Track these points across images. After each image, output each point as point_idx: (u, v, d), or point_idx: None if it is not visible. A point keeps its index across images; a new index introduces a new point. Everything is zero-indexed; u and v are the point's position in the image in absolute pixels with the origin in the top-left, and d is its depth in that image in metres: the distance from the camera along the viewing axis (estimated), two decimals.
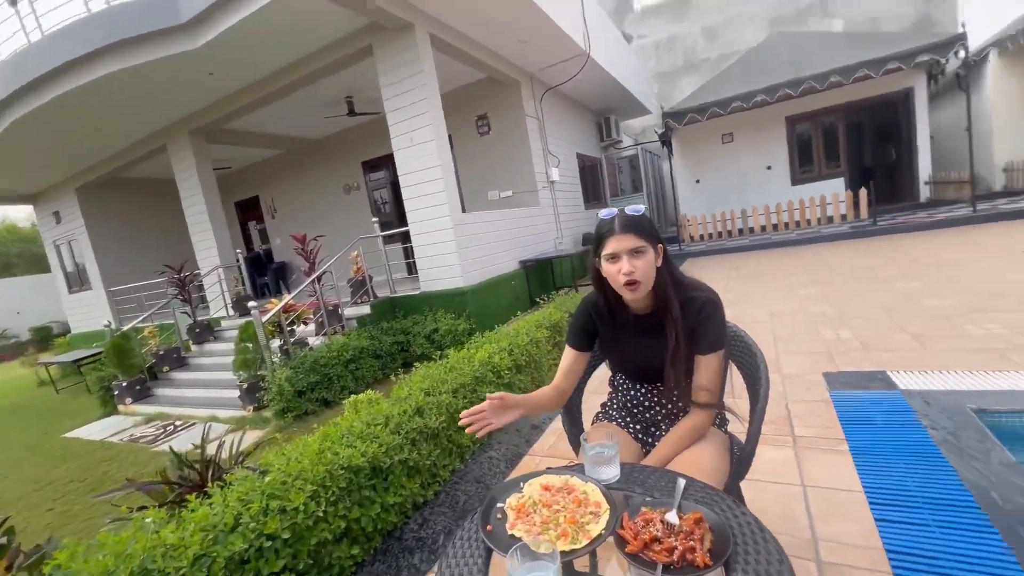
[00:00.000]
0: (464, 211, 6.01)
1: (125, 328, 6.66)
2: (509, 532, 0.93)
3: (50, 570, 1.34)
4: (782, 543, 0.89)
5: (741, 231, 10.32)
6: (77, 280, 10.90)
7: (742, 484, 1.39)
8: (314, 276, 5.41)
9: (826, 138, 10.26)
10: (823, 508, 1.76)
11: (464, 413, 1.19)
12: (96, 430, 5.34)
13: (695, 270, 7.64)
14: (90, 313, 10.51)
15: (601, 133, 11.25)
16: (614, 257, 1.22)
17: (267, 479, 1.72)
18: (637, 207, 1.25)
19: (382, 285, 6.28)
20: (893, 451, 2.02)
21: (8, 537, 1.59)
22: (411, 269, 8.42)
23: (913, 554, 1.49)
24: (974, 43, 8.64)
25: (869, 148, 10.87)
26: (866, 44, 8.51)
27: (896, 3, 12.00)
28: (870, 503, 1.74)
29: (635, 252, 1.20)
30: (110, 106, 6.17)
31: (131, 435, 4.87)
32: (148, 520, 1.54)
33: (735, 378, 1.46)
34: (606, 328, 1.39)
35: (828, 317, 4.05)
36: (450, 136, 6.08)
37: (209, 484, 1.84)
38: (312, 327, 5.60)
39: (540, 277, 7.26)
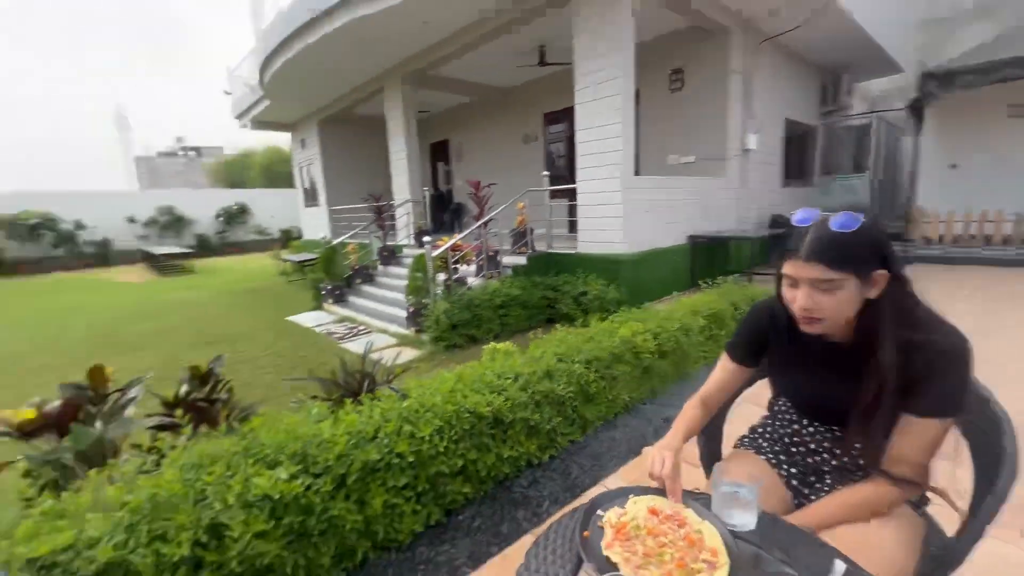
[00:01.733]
0: (637, 174, 5.64)
1: (335, 242, 8.07)
2: (604, 552, 0.84)
3: (247, 429, 1.70)
4: None
5: (1007, 240, 7.73)
6: (310, 197, 13.55)
7: None
8: (482, 221, 5.74)
9: None
10: None
11: (662, 476, 0.98)
12: (306, 319, 6.71)
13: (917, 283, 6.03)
14: (316, 225, 13.10)
15: (825, 96, 9.29)
16: (793, 281, 0.95)
17: (405, 403, 1.92)
18: (850, 220, 0.89)
19: (541, 239, 6.38)
20: None
21: (229, 394, 2.10)
22: (572, 227, 8.40)
23: None
24: None
25: None
26: None
27: None
28: None
29: (821, 285, 0.90)
30: (347, 52, 7.24)
31: (327, 330, 5.99)
32: (314, 411, 1.86)
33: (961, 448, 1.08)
34: (781, 347, 1.11)
35: None
36: (637, 91, 5.64)
37: (362, 395, 2.13)
38: (473, 268, 6.02)
39: (709, 257, 6.56)
